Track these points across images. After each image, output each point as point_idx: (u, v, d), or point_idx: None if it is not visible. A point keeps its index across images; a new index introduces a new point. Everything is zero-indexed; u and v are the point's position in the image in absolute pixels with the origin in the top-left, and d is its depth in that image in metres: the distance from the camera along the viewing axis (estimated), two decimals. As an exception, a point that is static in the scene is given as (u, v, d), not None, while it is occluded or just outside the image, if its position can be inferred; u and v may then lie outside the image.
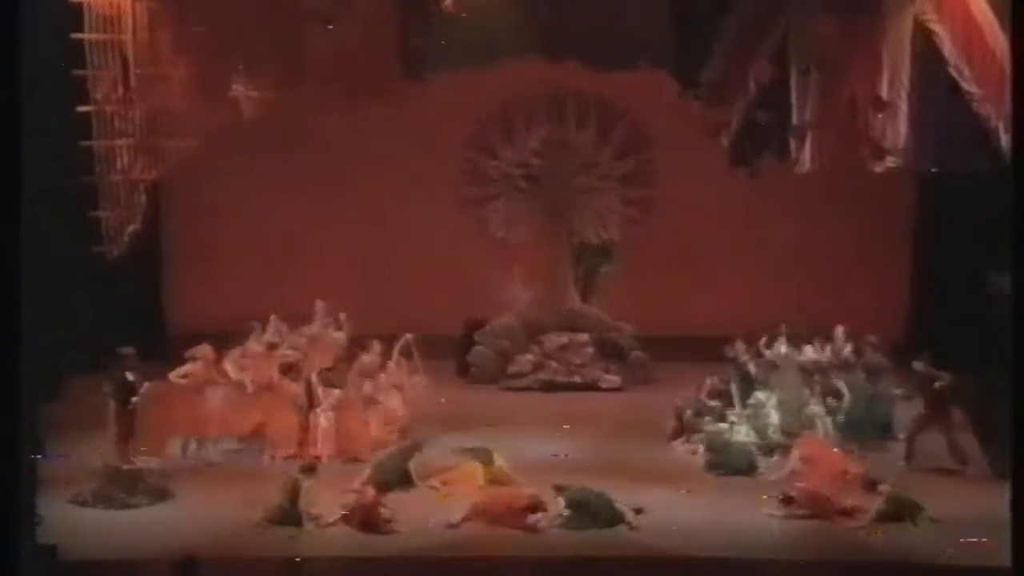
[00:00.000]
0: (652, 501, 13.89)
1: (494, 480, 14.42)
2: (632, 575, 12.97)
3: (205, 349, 16.20)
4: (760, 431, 16.14)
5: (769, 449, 15.95)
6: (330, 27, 16.99)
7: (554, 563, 12.93)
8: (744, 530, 13.47)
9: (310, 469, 13.88)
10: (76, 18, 16.72)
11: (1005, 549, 10.12)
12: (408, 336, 16.99)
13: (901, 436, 16.04)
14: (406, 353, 16.87)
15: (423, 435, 15.69)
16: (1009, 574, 10.12)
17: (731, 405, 16.68)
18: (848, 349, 17.02)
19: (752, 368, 16.90)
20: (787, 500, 13.76)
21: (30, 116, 9.76)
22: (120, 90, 17.26)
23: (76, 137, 17.14)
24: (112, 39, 17.10)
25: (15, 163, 9.61)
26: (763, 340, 17.07)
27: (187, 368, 15.84)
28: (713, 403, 16.69)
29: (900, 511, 13.67)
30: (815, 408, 16.55)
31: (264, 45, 17.20)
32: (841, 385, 16.53)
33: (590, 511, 13.43)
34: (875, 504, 13.74)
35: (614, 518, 13.45)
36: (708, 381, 16.92)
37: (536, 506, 13.56)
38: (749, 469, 15.36)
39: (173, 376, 15.72)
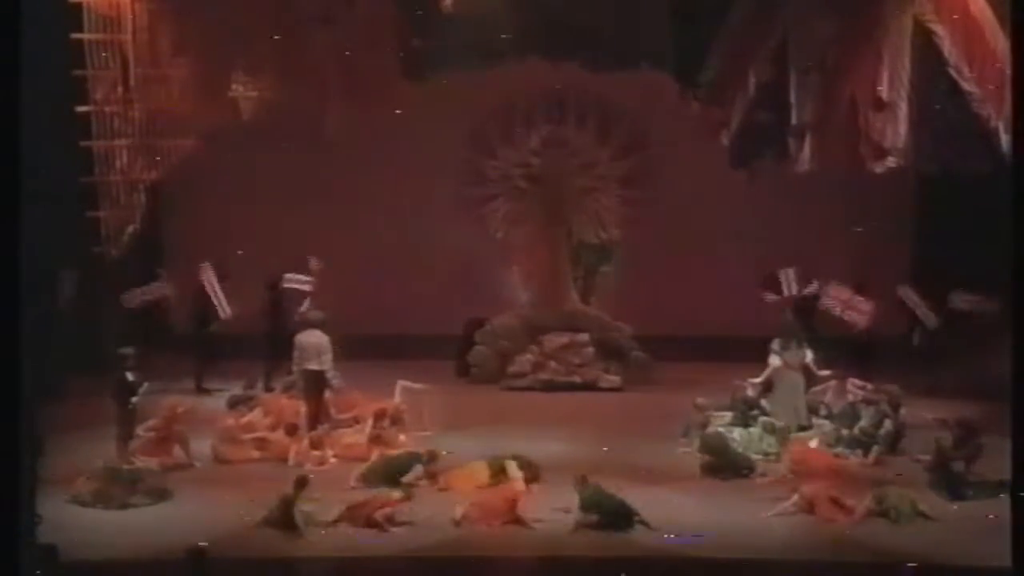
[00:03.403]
0: (652, 501, 13.87)
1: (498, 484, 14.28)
2: (632, 574, 12.95)
3: (168, 402, 16.25)
4: (764, 435, 16.17)
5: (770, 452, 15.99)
6: (330, 27, 17.01)
7: (554, 563, 12.91)
8: (744, 531, 13.46)
9: (302, 484, 13.82)
10: (76, 18, 16.74)
11: (1005, 549, 10.12)
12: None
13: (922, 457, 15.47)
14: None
15: (426, 447, 15.59)
16: (1009, 574, 10.12)
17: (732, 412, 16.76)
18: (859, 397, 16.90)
19: (750, 392, 16.94)
20: (801, 505, 13.76)
21: (30, 116, 9.77)
22: (120, 90, 17.30)
23: (76, 137, 17.15)
24: (112, 39, 17.14)
25: (15, 163, 9.61)
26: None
27: (152, 422, 15.82)
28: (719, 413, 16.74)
29: (898, 511, 13.68)
30: (815, 419, 16.75)
31: (264, 45, 17.22)
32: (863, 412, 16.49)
33: (603, 512, 13.43)
34: (871, 504, 13.78)
35: (627, 520, 13.47)
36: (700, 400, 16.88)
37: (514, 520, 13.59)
38: (747, 472, 15.36)
39: (141, 430, 15.68)
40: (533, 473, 14.58)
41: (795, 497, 13.82)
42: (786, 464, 15.19)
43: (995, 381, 16.43)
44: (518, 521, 13.49)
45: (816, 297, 18.98)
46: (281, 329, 18.43)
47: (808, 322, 18.72)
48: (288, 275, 19.20)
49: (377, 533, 13.27)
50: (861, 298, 18.43)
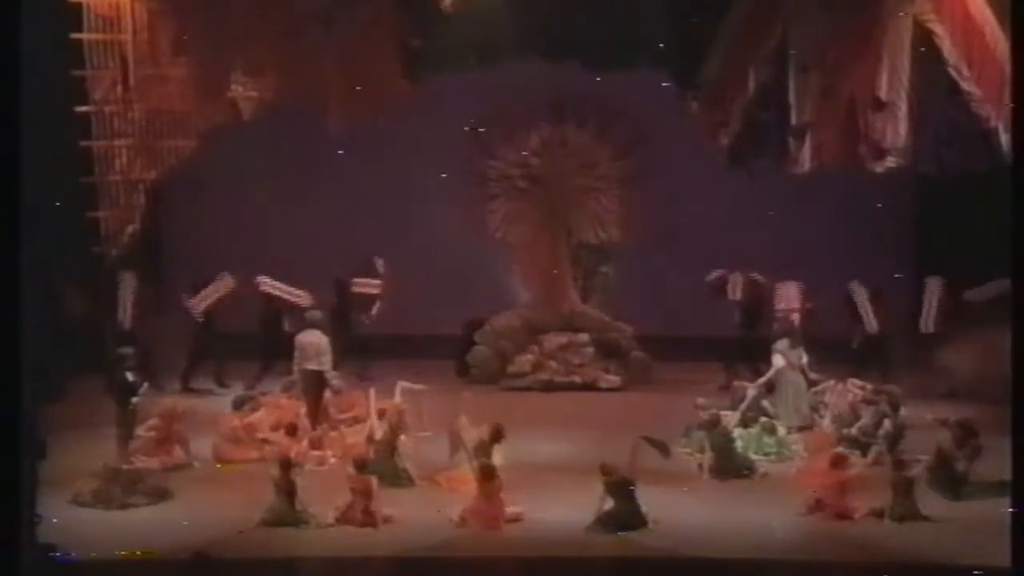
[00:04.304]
0: (653, 502, 13.86)
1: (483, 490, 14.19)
2: (632, 574, 12.97)
3: (168, 402, 16.29)
4: (764, 436, 16.18)
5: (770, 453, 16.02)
6: (330, 27, 16.99)
7: (554, 563, 12.92)
8: (745, 531, 13.47)
9: (286, 465, 13.87)
10: (76, 18, 16.73)
11: (1005, 549, 10.12)
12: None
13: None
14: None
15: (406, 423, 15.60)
16: (1009, 574, 10.13)
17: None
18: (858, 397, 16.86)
19: (750, 392, 16.91)
20: (813, 507, 13.87)
21: (30, 116, 9.77)
22: (120, 90, 17.26)
23: (76, 137, 17.14)
24: (112, 39, 17.11)
25: (15, 163, 9.61)
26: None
27: (152, 422, 15.80)
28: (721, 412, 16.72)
29: (899, 510, 13.72)
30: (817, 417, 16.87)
31: (264, 45, 17.20)
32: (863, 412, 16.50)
33: (623, 509, 13.45)
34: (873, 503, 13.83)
35: (636, 519, 13.48)
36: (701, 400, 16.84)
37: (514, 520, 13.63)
38: (747, 472, 15.37)
39: (142, 431, 15.65)
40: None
41: (811, 494, 13.87)
42: (801, 450, 15.49)
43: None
44: (513, 520, 13.52)
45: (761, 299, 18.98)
46: (347, 331, 18.88)
47: (755, 324, 18.78)
48: (357, 279, 19.54)
49: (374, 531, 13.29)
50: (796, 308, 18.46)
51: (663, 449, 14.35)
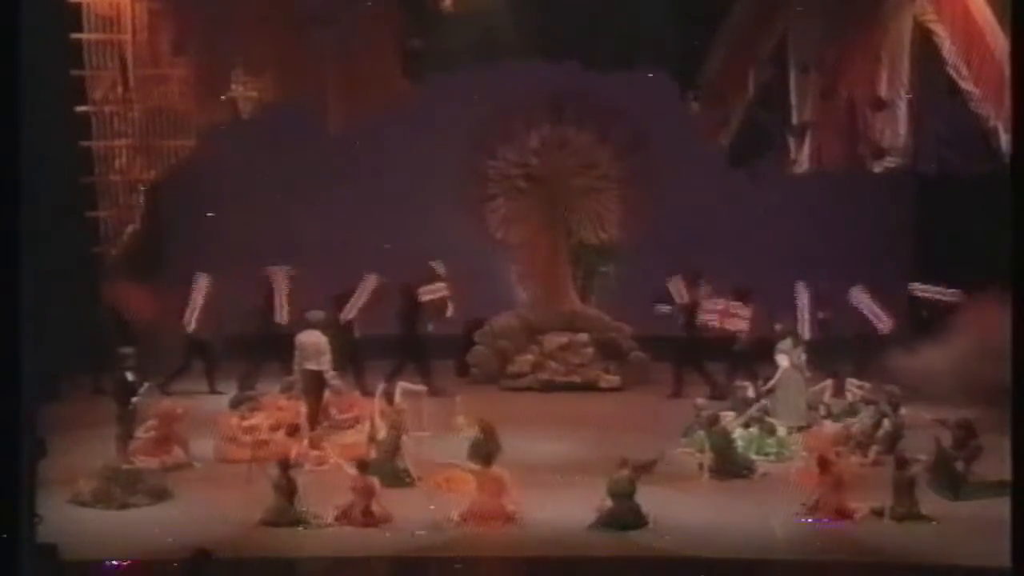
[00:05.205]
0: (653, 502, 13.87)
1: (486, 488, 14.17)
2: (632, 574, 12.97)
3: (164, 404, 16.28)
4: (764, 436, 16.18)
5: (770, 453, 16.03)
6: (330, 27, 17.03)
7: (554, 563, 12.92)
8: (745, 531, 13.47)
9: (286, 466, 13.88)
10: (76, 18, 16.77)
11: (1005, 549, 10.12)
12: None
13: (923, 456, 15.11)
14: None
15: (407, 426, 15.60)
16: (1009, 574, 10.13)
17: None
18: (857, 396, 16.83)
19: (751, 392, 16.88)
20: (813, 507, 13.85)
21: (30, 116, 9.77)
22: (119, 90, 17.32)
23: (76, 137, 17.16)
24: (111, 39, 17.17)
25: (15, 163, 9.62)
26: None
27: (150, 423, 15.77)
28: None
29: (899, 510, 13.72)
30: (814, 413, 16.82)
31: (264, 45, 17.24)
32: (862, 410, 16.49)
33: (623, 509, 13.45)
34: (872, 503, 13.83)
35: (636, 519, 13.49)
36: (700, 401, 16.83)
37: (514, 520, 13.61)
38: (747, 472, 15.37)
39: (140, 432, 15.64)
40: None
41: (814, 498, 13.87)
42: (801, 450, 15.51)
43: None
44: (512, 520, 13.52)
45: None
46: (415, 335, 18.96)
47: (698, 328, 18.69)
48: (423, 288, 19.22)
49: (374, 531, 13.28)
50: (738, 303, 18.34)
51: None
